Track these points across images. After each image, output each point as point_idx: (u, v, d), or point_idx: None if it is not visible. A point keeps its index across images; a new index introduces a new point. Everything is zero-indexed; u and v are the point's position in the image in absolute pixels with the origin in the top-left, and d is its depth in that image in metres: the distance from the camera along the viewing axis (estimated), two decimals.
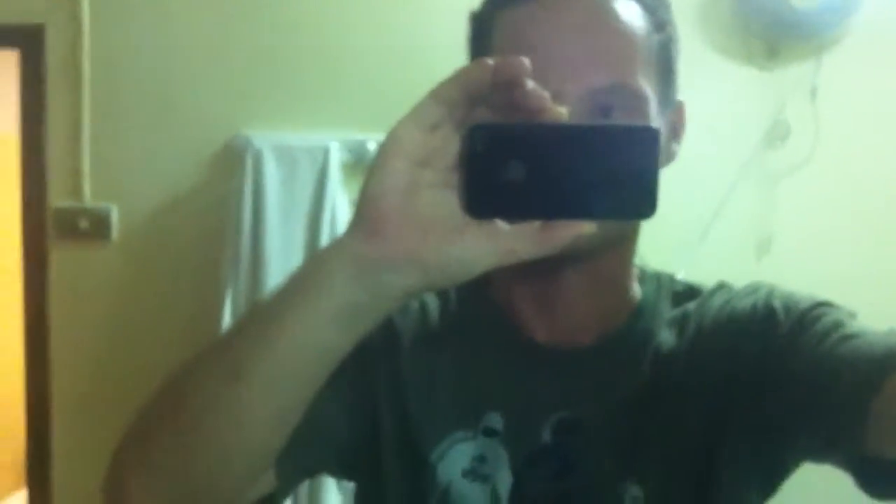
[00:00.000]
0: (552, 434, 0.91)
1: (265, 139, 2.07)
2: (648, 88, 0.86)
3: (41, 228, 2.17)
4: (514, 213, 0.63)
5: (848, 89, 2.22)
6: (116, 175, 2.17)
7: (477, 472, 0.91)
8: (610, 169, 0.61)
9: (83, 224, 2.16)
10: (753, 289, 0.95)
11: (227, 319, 2.02)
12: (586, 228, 0.62)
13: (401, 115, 0.63)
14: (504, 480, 0.90)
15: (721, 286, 0.98)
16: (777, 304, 0.90)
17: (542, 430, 0.91)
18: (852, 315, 0.87)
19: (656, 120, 0.87)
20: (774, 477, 0.92)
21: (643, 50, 0.87)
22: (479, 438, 0.91)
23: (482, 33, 0.92)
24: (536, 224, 0.63)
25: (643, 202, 0.62)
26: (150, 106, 2.16)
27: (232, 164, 2.10)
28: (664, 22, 0.90)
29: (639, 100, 0.85)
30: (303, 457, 0.82)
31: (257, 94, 2.15)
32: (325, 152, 2.06)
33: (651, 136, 0.62)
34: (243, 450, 0.71)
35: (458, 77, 0.62)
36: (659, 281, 1.00)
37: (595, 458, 0.90)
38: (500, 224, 0.64)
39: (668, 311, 0.97)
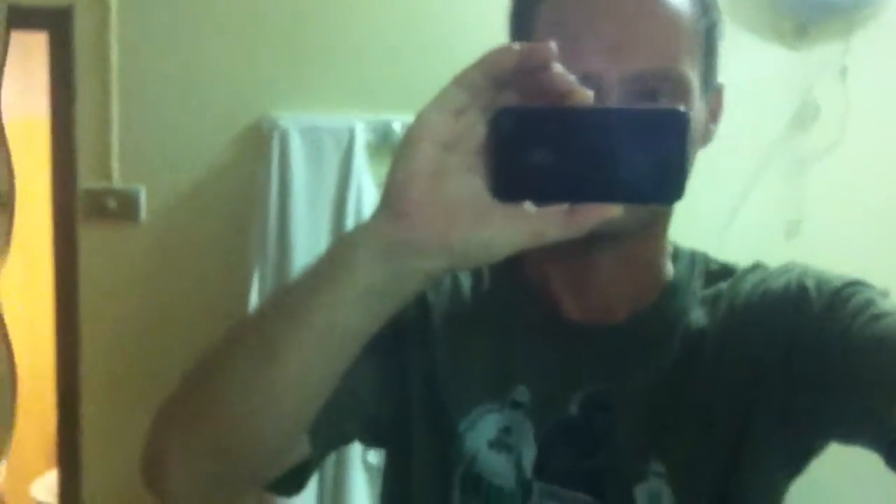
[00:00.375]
0: (579, 408, 0.92)
1: (291, 120, 2.08)
2: (693, 74, 0.85)
3: (70, 209, 2.19)
4: (541, 195, 0.64)
5: (878, 69, 2.19)
6: (145, 156, 2.18)
7: (502, 442, 0.92)
8: (637, 153, 0.61)
9: (112, 205, 2.18)
10: (787, 269, 0.95)
11: (254, 299, 2.03)
12: (613, 212, 0.63)
13: (426, 96, 0.64)
14: (528, 452, 0.92)
15: (756, 266, 0.98)
16: (809, 282, 0.90)
17: (569, 405, 0.92)
18: (885, 294, 0.87)
19: (698, 105, 0.86)
20: (802, 456, 0.92)
21: (689, 35, 0.86)
22: (505, 410, 0.92)
23: (525, 12, 0.91)
24: (563, 207, 0.64)
25: (670, 187, 0.62)
26: (178, 87, 2.16)
27: (259, 146, 2.11)
28: (709, 5, 0.90)
29: (683, 86, 0.85)
30: (336, 425, 0.84)
31: (284, 75, 2.15)
32: (351, 133, 2.07)
33: (680, 119, 0.62)
34: (277, 424, 0.73)
35: (484, 62, 0.63)
36: (693, 259, 1.00)
37: (620, 433, 0.91)
38: (527, 207, 0.64)
39: (700, 290, 0.97)
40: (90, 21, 2.15)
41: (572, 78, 0.63)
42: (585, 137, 0.62)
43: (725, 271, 0.99)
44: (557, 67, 0.62)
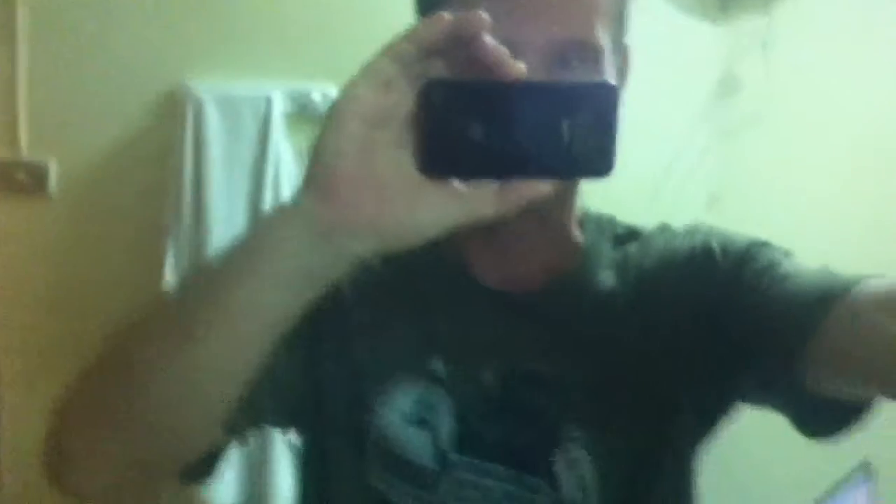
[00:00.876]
0: (496, 379, 0.90)
1: (206, 89, 2.02)
2: (606, 38, 0.84)
3: None
4: (471, 172, 0.62)
5: (799, 43, 2.21)
6: (54, 126, 2.10)
7: (419, 417, 0.90)
8: (568, 127, 0.60)
9: (20, 177, 2.09)
10: (693, 230, 0.95)
11: (169, 273, 1.97)
12: (544, 188, 0.62)
13: (345, 64, 0.62)
14: (446, 426, 0.90)
15: (663, 228, 0.99)
16: (715, 243, 0.91)
17: (487, 376, 0.90)
18: (787, 254, 0.88)
19: (609, 69, 0.85)
20: (716, 418, 0.93)
21: (606, 3, 0.85)
22: (422, 383, 0.90)
23: None
24: (494, 184, 0.62)
25: (601, 161, 0.61)
26: (89, 55, 2.08)
27: (173, 115, 2.05)
28: None
29: (597, 52, 0.84)
30: (248, 409, 0.79)
31: (199, 43, 2.09)
32: (268, 102, 2.02)
33: (611, 93, 0.62)
34: (194, 409, 0.70)
35: (415, 32, 0.60)
36: (599, 223, 1.00)
37: (538, 403, 0.89)
38: (457, 184, 0.62)
39: (609, 253, 0.96)
40: None
41: (504, 50, 0.60)
42: (516, 112, 0.60)
43: (632, 233, 0.99)
44: (489, 39, 0.60)
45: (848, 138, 2.21)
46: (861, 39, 2.19)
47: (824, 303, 0.75)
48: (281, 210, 0.66)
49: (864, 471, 1.71)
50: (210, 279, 0.69)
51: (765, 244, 0.89)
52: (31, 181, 2.09)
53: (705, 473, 0.97)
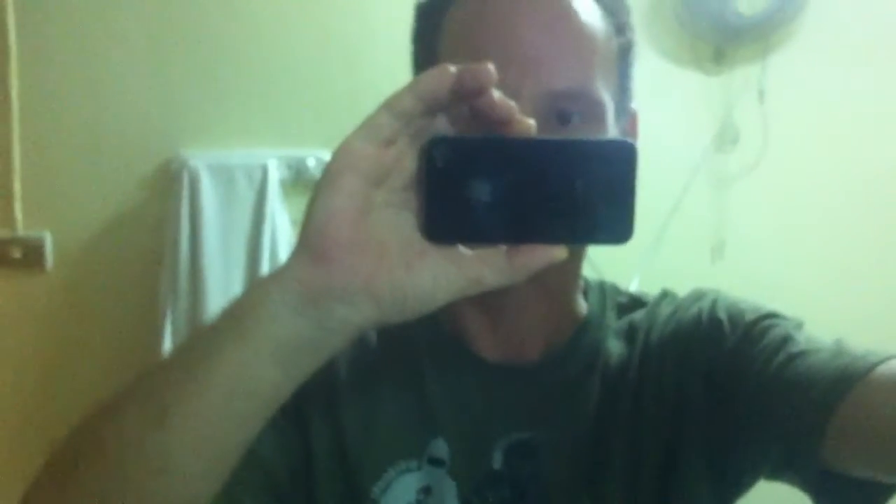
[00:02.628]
0: (503, 459, 0.86)
1: (201, 158, 2.02)
2: (607, 95, 0.82)
3: None
4: (478, 237, 0.58)
5: (795, 91, 2.21)
6: (50, 201, 2.10)
7: None
8: (583, 189, 0.56)
9: (16, 254, 2.08)
10: (697, 296, 0.93)
11: (167, 346, 1.95)
12: (557, 254, 0.57)
13: (339, 131, 0.57)
14: None
15: (665, 294, 0.96)
16: (722, 315, 0.87)
17: (492, 456, 0.86)
18: (798, 326, 0.85)
19: (612, 130, 0.82)
20: (728, 491, 0.89)
21: (603, 53, 0.82)
22: (424, 468, 0.86)
23: (431, 27, 0.86)
24: (502, 249, 0.57)
25: (620, 225, 0.57)
26: (83, 129, 2.09)
27: (168, 186, 2.04)
28: (624, 25, 0.86)
29: (598, 107, 0.81)
30: (232, 494, 0.73)
31: (193, 113, 2.09)
32: (264, 170, 2.01)
33: (628, 152, 0.56)
34: (172, 497, 0.62)
35: (417, 85, 0.56)
36: (603, 291, 0.97)
37: (548, 480, 0.86)
38: (462, 249, 0.58)
39: (613, 322, 0.93)
40: None
41: (513, 104, 0.56)
42: (527, 171, 0.56)
43: (635, 302, 0.97)
44: (496, 93, 0.56)
45: (846, 184, 2.20)
46: (855, 86, 2.19)
47: (843, 382, 0.72)
48: (271, 276, 0.59)
49: None
50: (189, 353, 0.62)
51: (775, 315, 0.86)
52: (27, 256, 2.09)
53: None
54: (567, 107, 0.79)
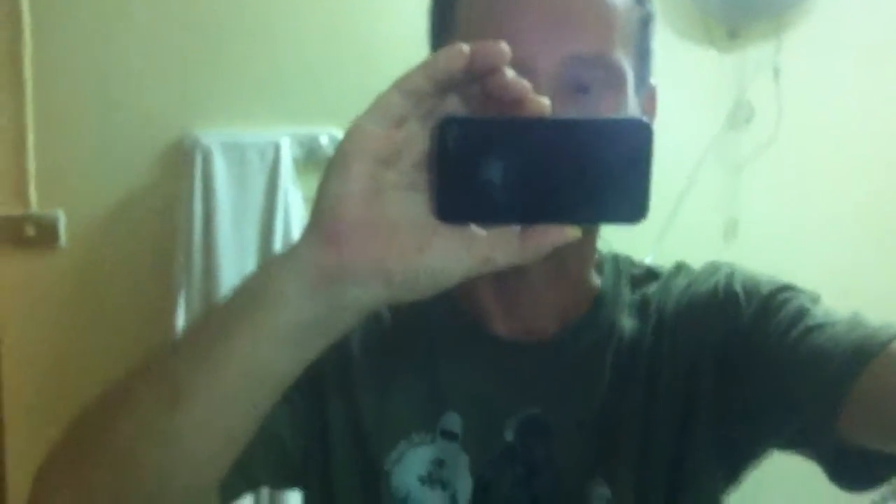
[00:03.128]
0: (515, 434, 0.86)
1: (214, 137, 2.01)
2: (627, 64, 0.80)
3: None
4: (491, 217, 0.57)
5: (809, 68, 2.19)
6: (63, 180, 2.10)
7: (435, 477, 0.86)
8: (598, 168, 0.55)
9: (30, 232, 2.09)
10: (713, 270, 0.92)
11: (180, 324, 1.96)
12: (571, 234, 0.56)
13: (351, 108, 0.57)
14: (464, 486, 0.85)
15: (679, 267, 0.95)
16: (738, 288, 0.87)
17: (505, 431, 0.86)
18: (815, 299, 0.84)
19: (632, 100, 0.81)
20: (741, 465, 0.89)
21: (624, 23, 0.81)
22: (437, 441, 0.86)
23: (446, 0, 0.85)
24: (515, 228, 0.57)
25: (634, 205, 0.56)
26: (96, 107, 2.09)
27: (181, 165, 2.04)
28: None
29: (618, 76, 0.80)
30: (246, 470, 0.74)
31: (205, 91, 2.09)
32: (276, 148, 2.01)
33: (644, 130, 0.55)
34: (183, 477, 0.63)
35: (429, 65, 0.55)
36: (617, 265, 0.96)
37: (561, 458, 0.86)
38: (475, 229, 0.57)
39: (628, 296, 0.93)
40: (3, 40, 2.06)
41: (526, 84, 0.55)
42: (540, 151, 0.55)
43: (650, 274, 0.96)
44: (510, 72, 0.55)
45: (861, 162, 2.19)
46: (870, 61, 2.18)
47: (861, 356, 0.71)
48: (282, 257, 0.59)
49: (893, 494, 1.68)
50: (201, 334, 0.62)
51: (791, 288, 0.85)
52: (40, 234, 2.09)
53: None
54: (586, 74, 0.78)
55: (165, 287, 2.03)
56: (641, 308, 0.92)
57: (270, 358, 0.59)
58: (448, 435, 0.86)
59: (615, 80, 0.80)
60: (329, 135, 2.04)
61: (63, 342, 2.12)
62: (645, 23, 0.85)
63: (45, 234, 2.09)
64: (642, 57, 0.84)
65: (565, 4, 0.79)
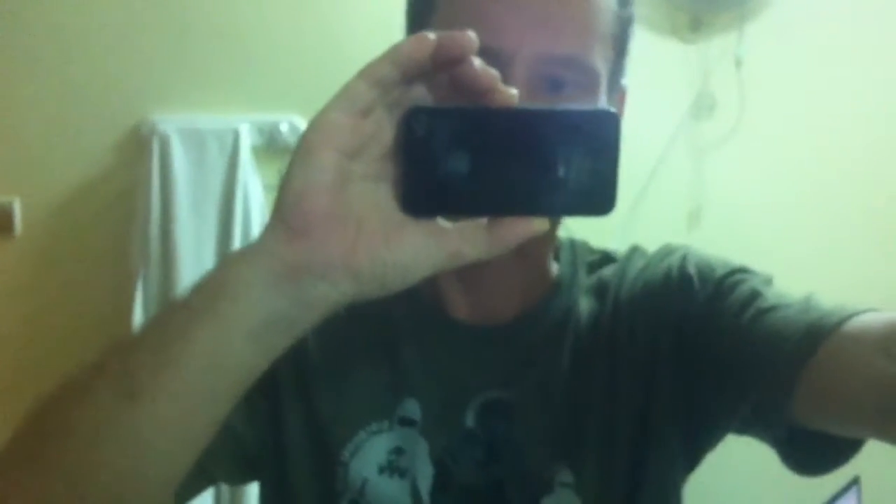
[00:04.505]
0: (476, 418, 0.86)
1: (172, 123, 1.98)
2: (603, 66, 0.80)
3: None
4: (459, 209, 0.56)
5: (771, 59, 2.20)
6: (18, 167, 2.06)
7: (394, 465, 0.85)
8: (565, 160, 0.55)
9: None
10: (667, 252, 0.92)
11: (138, 312, 1.93)
12: (539, 226, 0.56)
13: (312, 95, 0.56)
14: (425, 473, 0.85)
15: (634, 250, 0.96)
16: (692, 269, 0.87)
17: (465, 415, 0.86)
18: (768, 281, 0.84)
19: (603, 101, 0.81)
20: (698, 447, 0.89)
21: (604, 24, 0.81)
22: (395, 429, 0.85)
23: None
24: (483, 221, 0.56)
25: (602, 197, 0.56)
26: (52, 94, 2.05)
27: (138, 150, 2.01)
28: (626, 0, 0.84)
29: (592, 78, 0.79)
30: (201, 467, 0.71)
31: (162, 76, 2.06)
32: (235, 135, 1.98)
33: (612, 121, 0.55)
34: (143, 477, 0.60)
35: (395, 53, 0.54)
36: (574, 250, 0.97)
37: (522, 443, 0.85)
38: (442, 222, 0.56)
39: (584, 281, 0.93)
40: None
41: (494, 73, 0.55)
42: (507, 142, 0.55)
43: (605, 258, 0.97)
44: (477, 61, 0.54)
45: (821, 151, 2.21)
46: (831, 54, 2.19)
47: (814, 337, 0.71)
48: (246, 249, 0.58)
49: (855, 486, 1.70)
50: (161, 327, 0.60)
51: (744, 270, 0.85)
52: None
53: (693, 494, 0.93)
54: (561, 73, 0.78)
55: (123, 275, 2.00)
56: (598, 291, 0.92)
57: (233, 352, 0.57)
58: (406, 422, 0.86)
59: (589, 81, 0.80)
60: (289, 122, 2.02)
61: (18, 331, 2.08)
62: (624, 26, 0.85)
63: (1, 221, 2.05)
64: (618, 59, 0.84)
65: (545, 6, 0.78)
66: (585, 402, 0.86)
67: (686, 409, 0.85)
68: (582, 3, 0.80)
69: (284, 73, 2.05)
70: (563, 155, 0.55)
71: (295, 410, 0.86)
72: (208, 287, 0.58)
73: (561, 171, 0.55)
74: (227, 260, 0.59)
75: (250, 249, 0.58)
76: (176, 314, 0.59)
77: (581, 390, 0.86)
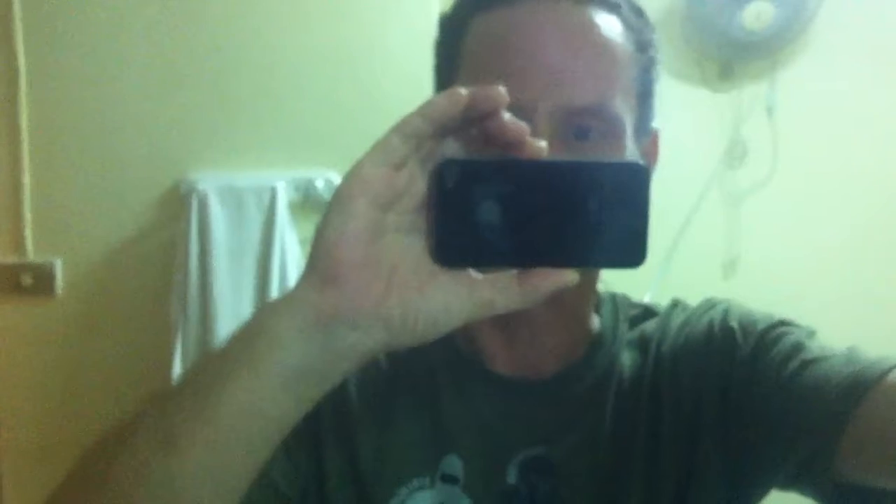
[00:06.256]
0: (518, 475, 0.85)
1: (210, 181, 2.02)
2: (626, 113, 0.81)
3: None
4: (489, 260, 0.57)
5: (803, 106, 2.21)
6: (60, 227, 2.10)
7: None
8: (595, 212, 0.55)
9: (27, 280, 2.08)
10: (709, 306, 0.91)
11: (177, 370, 1.94)
12: (570, 277, 0.56)
13: (347, 152, 0.57)
14: None
15: (676, 304, 0.95)
16: (734, 323, 0.86)
17: (507, 472, 0.85)
18: (811, 334, 0.83)
19: (631, 147, 0.81)
20: (743, 503, 0.87)
21: (624, 70, 0.81)
22: (437, 485, 0.84)
23: (453, 39, 0.85)
24: (514, 273, 0.56)
25: (633, 249, 0.56)
26: (92, 155, 2.09)
27: (177, 209, 2.05)
28: (646, 43, 0.85)
29: (616, 126, 0.80)
30: None
31: (200, 136, 2.10)
32: (272, 192, 2.01)
33: (641, 174, 0.56)
34: None
35: (428, 107, 0.56)
36: (615, 305, 0.96)
37: (566, 498, 0.84)
38: (474, 274, 0.57)
39: (625, 336, 0.92)
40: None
41: (524, 126, 0.56)
42: (538, 194, 0.55)
43: (647, 312, 0.95)
44: (507, 115, 0.56)
45: (857, 198, 2.20)
46: (864, 100, 2.19)
47: (857, 389, 0.71)
48: (280, 299, 0.58)
49: None
50: (199, 378, 0.60)
51: (786, 323, 0.84)
52: (37, 282, 2.08)
53: None
54: (585, 122, 0.78)
55: (163, 332, 2.01)
56: (640, 345, 0.91)
57: (268, 402, 0.57)
58: (449, 479, 0.85)
59: (612, 129, 0.80)
60: (325, 178, 2.05)
61: (61, 390, 2.10)
62: (647, 69, 0.85)
63: (42, 282, 2.08)
64: (644, 103, 0.84)
65: (568, 53, 0.79)
66: (628, 459, 0.84)
67: (730, 466, 0.83)
68: (600, 54, 0.80)
69: (320, 131, 2.09)
70: (592, 207, 0.55)
71: (336, 462, 0.85)
72: (243, 335, 0.59)
73: (591, 224, 0.55)
74: (262, 309, 0.60)
75: (285, 298, 0.58)
76: (212, 363, 0.60)
77: (624, 448, 0.85)
